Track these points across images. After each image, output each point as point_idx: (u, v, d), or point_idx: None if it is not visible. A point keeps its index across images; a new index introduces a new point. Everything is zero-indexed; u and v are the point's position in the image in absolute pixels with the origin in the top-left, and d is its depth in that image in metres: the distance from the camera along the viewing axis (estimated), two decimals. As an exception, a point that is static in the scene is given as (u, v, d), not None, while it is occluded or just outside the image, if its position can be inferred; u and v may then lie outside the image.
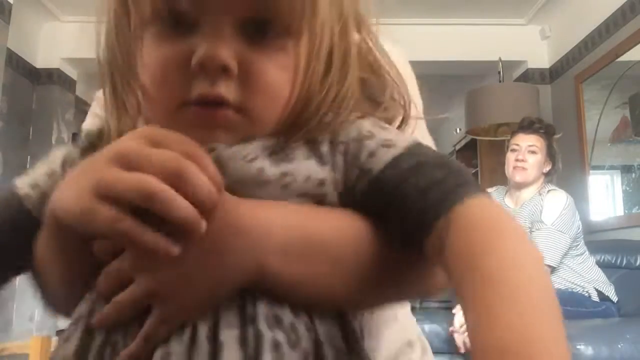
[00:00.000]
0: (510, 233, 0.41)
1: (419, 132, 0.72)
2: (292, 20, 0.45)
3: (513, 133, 2.51)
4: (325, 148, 0.47)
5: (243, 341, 0.41)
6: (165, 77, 0.45)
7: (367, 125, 0.49)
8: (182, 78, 0.45)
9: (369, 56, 0.54)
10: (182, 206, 0.38)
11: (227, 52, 0.44)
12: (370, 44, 0.53)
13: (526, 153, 2.38)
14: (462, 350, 2.18)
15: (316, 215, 0.46)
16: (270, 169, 0.45)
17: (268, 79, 0.46)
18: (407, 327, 0.80)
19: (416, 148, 0.48)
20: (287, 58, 0.47)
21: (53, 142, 4.32)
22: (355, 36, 0.52)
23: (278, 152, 0.46)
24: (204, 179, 0.39)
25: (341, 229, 0.46)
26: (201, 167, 0.40)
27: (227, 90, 0.44)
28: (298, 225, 0.45)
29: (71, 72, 4.53)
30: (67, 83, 4.50)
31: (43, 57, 4.34)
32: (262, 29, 0.45)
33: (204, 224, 0.40)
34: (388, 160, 0.46)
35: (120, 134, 0.47)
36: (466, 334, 2.14)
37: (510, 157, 2.42)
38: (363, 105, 0.52)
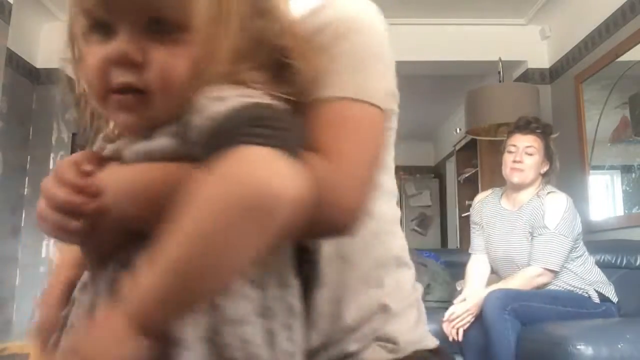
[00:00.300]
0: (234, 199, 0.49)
1: (383, 83, 0.79)
2: (180, 19, 0.58)
3: (509, 133, 2.44)
4: (180, 126, 0.58)
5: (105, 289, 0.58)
6: (95, 73, 0.59)
7: (204, 99, 0.57)
8: (106, 72, 0.58)
9: (268, 39, 0.63)
10: (51, 216, 0.59)
11: (133, 48, 0.57)
12: (273, 26, 0.63)
13: (524, 154, 2.32)
14: (450, 339, 2.18)
15: (143, 168, 0.59)
16: (136, 151, 0.60)
17: (167, 68, 0.58)
18: (391, 293, 0.78)
19: (236, 114, 0.54)
20: (184, 50, 0.58)
21: (53, 142, 4.32)
22: (255, 22, 0.63)
23: (148, 134, 0.60)
24: (60, 191, 0.58)
25: (161, 175, 0.58)
26: (64, 179, 0.59)
27: (135, 79, 0.58)
28: (126, 178, 0.60)
29: (71, 72, 4.52)
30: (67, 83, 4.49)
31: (43, 57, 4.34)
32: (161, 27, 0.58)
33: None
34: (209, 133, 0.55)
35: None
36: (454, 323, 2.16)
37: (507, 158, 2.36)
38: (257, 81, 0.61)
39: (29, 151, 4.23)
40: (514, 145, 2.35)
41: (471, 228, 2.54)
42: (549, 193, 2.32)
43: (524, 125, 2.39)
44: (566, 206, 2.26)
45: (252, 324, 0.54)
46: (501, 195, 2.48)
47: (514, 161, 2.32)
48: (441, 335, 2.38)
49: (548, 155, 2.37)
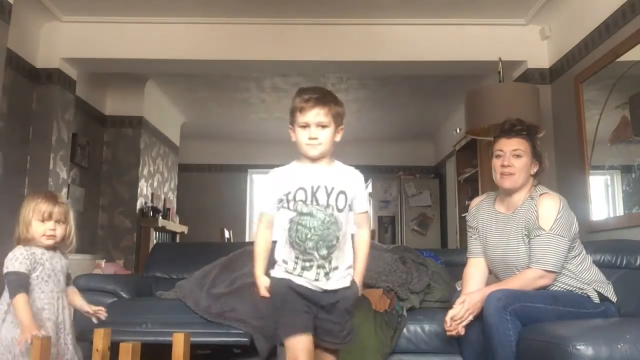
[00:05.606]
0: None
1: None
2: None
3: (495, 138, 2.42)
4: None
5: None
6: None
7: None
8: None
9: None
10: None
11: None
12: None
13: (511, 158, 2.32)
14: (455, 333, 2.18)
15: None
16: None
17: None
18: None
19: None
20: None
21: (53, 142, 4.32)
22: None
23: None
24: None
25: None
26: None
27: None
28: None
29: (71, 72, 4.53)
30: (67, 83, 4.50)
31: (43, 57, 4.34)
32: None
33: None
34: None
35: None
36: (456, 323, 2.15)
37: (496, 163, 2.34)
38: None
39: (29, 151, 4.23)
40: (501, 150, 2.34)
41: (467, 233, 2.54)
42: (541, 194, 2.31)
43: (509, 129, 2.37)
44: (559, 207, 2.25)
45: None
46: (495, 199, 2.47)
47: (503, 165, 2.31)
48: (442, 335, 2.38)
49: (536, 156, 2.36)
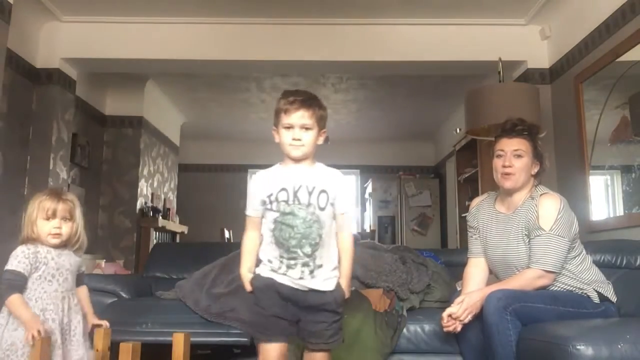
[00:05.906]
0: None
1: None
2: None
3: (497, 137, 2.41)
4: None
5: None
6: None
7: None
8: None
9: None
10: None
11: None
12: None
13: (512, 158, 2.31)
14: (452, 329, 2.18)
15: None
16: None
17: None
18: None
19: None
20: None
21: (53, 142, 4.32)
22: None
23: None
24: None
25: None
26: None
27: None
28: None
29: (71, 72, 4.53)
30: (67, 83, 4.50)
31: (43, 57, 4.34)
32: None
33: None
34: None
35: None
36: (453, 321, 2.15)
37: (497, 163, 2.34)
38: None
39: (29, 151, 4.24)
40: (502, 150, 2.34)
41: (468, 232, 2.54)
42: (542, 194, 2.30)
43: (510, 129, 2.36)
44: (560, 207, 2.25)
45: None
46: (495, 199, 2.46)
47: (504, 166, 2.31)
48: (442, 335, 2.38)
49: (537, 156, 2.35)
